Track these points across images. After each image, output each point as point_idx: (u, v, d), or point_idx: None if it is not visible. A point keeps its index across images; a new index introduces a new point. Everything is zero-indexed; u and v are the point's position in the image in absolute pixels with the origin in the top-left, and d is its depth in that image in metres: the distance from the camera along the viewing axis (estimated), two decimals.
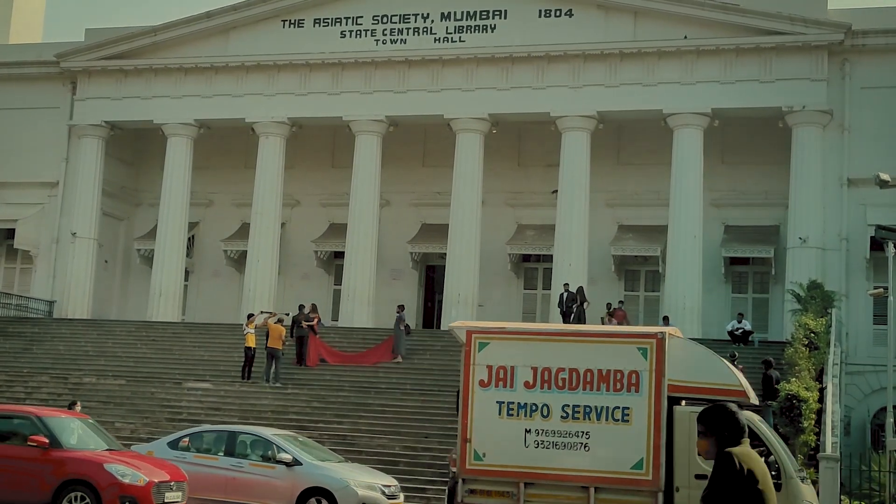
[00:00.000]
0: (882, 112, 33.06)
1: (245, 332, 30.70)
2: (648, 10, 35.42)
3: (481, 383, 16.73)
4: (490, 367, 16.71)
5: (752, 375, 25.21)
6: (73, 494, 16.72)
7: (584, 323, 33.42)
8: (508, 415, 16.46)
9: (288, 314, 32.89)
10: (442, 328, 36.05)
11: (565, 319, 33.57)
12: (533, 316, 38.39)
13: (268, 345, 30.05)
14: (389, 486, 19.77)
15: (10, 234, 41.18)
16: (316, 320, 32.62)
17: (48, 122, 41.16)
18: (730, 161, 36.65)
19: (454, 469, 16.90)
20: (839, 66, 34.07)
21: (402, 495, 20.21)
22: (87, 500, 16.66)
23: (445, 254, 36.95)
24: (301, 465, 19.31)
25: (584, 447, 16.03)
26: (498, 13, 36.65)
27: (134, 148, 43.33)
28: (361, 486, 19.16)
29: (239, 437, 20.49)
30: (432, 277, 40.09)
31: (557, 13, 36.22)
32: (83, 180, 40.15)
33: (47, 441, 17.14)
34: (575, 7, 36.07)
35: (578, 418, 16.08)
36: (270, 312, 32.35)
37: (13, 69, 41.82)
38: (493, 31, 36.57)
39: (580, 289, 33.59)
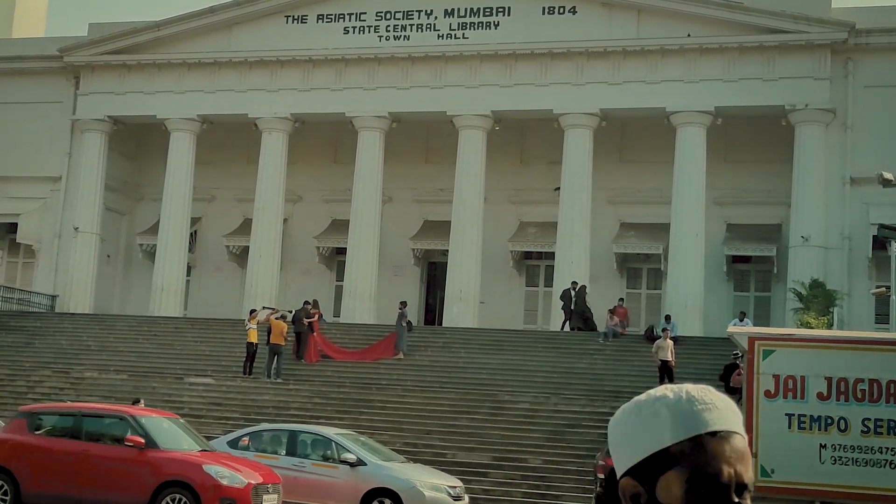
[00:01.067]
0: (885, 111, 33.03)
1: (247, 328, 30.71)
2: (652, 8, 35.40)
3: (767, 394, 15.62)
4: (777, 377, 15.62)
5: None
6: (171, 496, 16.31)
7: (587, 321, 33.45)
8: (800, 428, 15.38)
9: (291, 311, 32.88)
10: (443, 325, 36.10)
11: (567, 317, 33.61)
12: (534, 314, 38.41)
13: (270, 341, 30.06)
14: (455, 486, 19.27)
15: (13, 228, 41.20)
16: (317, 316, 32.61)
17: (51, 116, 41.17)
18: (732, 159, 36.65)
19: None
20: (842, 65, 34.05)
21: (466, 497, 19.76)
22: (186, 501, 16.22)
23: (447, 250, 36.95)
24: (365, 465, 18.87)
25: (890, 465, 14.91)
26: (501, 10, 36.63)
27: (137, 143, 43.34)
28: (428, 487, 18.70)
29: (300, 436, 20.07)
30: (434, 274, 40.10)
31: (561, 10, 36.20)
32: (86, 175, 40.16)
33: (144, 441, 16.76)
34: (578, 4, 36.05)
35: (882, 433, 15.01)
36: (273, 309, 32.36)
37: (16, 63, 41.82)
38: (496, 28, 36.56)
39: (581, 287, 33.56)
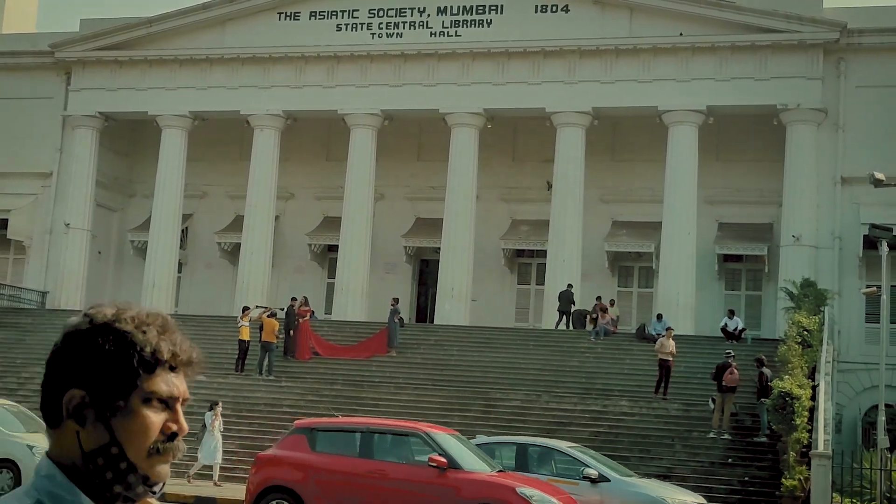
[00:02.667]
0: (876, 111, 33.13)
1: (239, 325, 30.68)
2: (644, 7, 35.45)
3: None
4: None
5: (744, 373, 25.33)
6: None
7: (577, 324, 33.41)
8: None
9: (283, 308, 32.84)
10: (435, 322, 36.12)
11: (563, 318, 33.60)
12: (526, 312, 38.45)
13: (262, 339, 30.05)
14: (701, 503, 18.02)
15: (3, 224, 41.08)
16: (308, 313, 32.56)
17: (42, 112, 41.06)
18: (724, 158, 36.73)
19: None
20: (834, 65, 34.14)
21: None
22: None
23: (439, 248, 36.97)
24: (609, 481, 17.46)
25: None
26: (494, 8, 36.65)
27: (128, 139, 43.26)
28: None
29: (529, 449, 18.76)
30: (426, 271, 40.11)
31: (553, 9, 36.23)
32: (77, 171, 40.07)
33: (446, 462, 15.59)
34: (571, 3, 36.08)
35: None
36: (265, 307, 32.32)
37: (8, 59, 41.70)
38: (488, 26, 36.57)
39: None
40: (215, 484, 22.30)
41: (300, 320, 31.79)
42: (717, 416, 24.73)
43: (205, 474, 22.73)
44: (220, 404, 23.09)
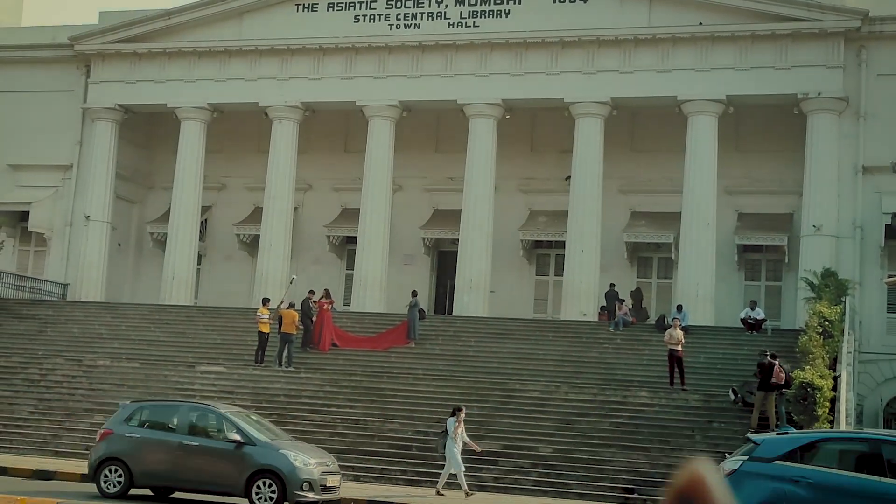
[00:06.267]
0: None
1: (259, 318, 30.74)
2: None
3: None
4: None
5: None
6: None
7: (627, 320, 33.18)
8: None
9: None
10: (454, 314, 36.10)
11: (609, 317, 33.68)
12: (545, 303, 38.38)
13: (281, 330, 30.12)
14: None
15: (24, 216, 41.27)
16: (330, 304, 32.54)
17: (62, 105, 41.21)
18: (744, 148, 36.53)
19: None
20: (855, 53, 33.87)
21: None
22: None
23: (457, 239, 36.94)
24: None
25: None
26: None
27: (147, 131, 43.36)
28: None
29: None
30: (444, 263, 40.08)
31: None
32: (97, 163, 40.22)
33: None
34: None
35: None
36: (283, 301, 32.31)
37: (28, 52, 41.86)
38: (507, 17, 36.45)
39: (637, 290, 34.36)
40: (467, 494, 20.95)
41: (323, 310, 31.82)
42: (756, 416, 24.13)
43: (451, 482, 21.47)
44: (464, 410, 21.74)
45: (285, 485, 18.14)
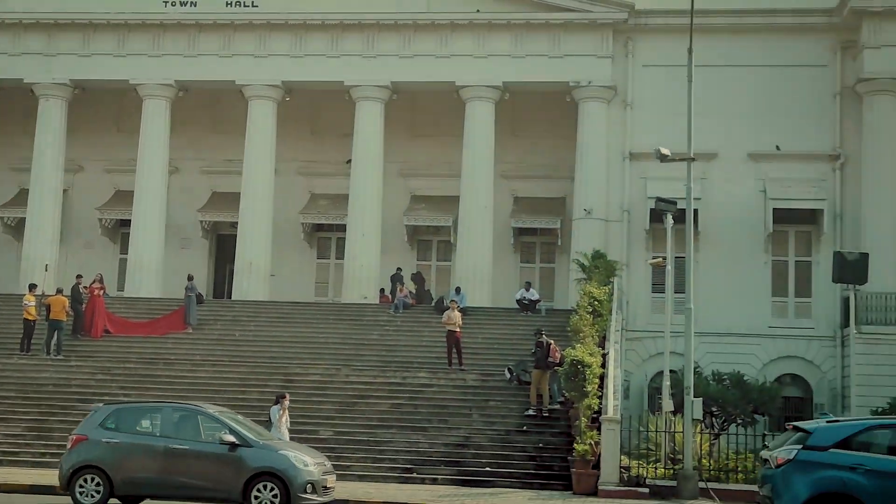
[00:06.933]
0: (662, 89, 34.35)
1: (25, 305, 29.36)
2: None
3: None
4: None
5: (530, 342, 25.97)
6: None
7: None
8: None
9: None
10: (233, 298, 35.52)
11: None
12: (326, 286, 38.30)
13: (50, 317, 28.88)
14: None
15: None
16: (101, 290, 31.41)
17: None
18: (520, 134, 37.48)
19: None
20: (623, 44, 35.36)
21: None
22: None
23: (237, 223, 36.36)
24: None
25: None
26: None
27: None
28: None
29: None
30: (223, 247, 39.32)
31: None
32: None
33: None
34: None
35: None
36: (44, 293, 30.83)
37: None
38: None
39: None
40: None
41: (94, 296, 30.67)
42: (534, 393, 24.90)
43: None
44: (288, 397, 21.31)
45: (288, 488, 17.02)
